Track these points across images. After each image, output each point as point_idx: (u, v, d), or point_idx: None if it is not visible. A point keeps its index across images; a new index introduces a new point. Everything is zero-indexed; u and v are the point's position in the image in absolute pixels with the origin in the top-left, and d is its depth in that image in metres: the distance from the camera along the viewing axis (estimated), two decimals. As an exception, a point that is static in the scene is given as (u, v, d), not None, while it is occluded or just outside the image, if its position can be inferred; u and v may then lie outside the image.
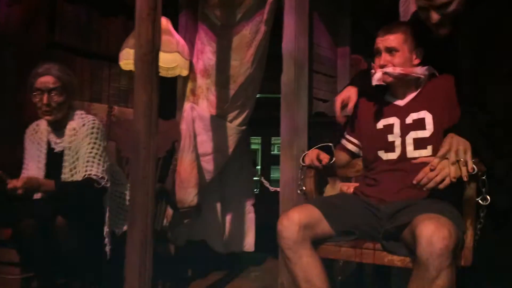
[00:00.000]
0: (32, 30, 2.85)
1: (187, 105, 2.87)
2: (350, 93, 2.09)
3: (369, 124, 2.02)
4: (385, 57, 1.87)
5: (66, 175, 2.27)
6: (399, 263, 1.68)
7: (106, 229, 2.22)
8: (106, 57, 3.21)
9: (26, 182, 2.09)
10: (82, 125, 2.29)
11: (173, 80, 3.06)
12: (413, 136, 1.88)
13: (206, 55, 2.91)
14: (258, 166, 5.08)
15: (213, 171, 2.93)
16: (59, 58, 2.97)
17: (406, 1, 2.40)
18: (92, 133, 2.27)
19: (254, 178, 3.43)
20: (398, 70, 1.86)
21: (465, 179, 1.58)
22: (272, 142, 5.03)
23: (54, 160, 2.31)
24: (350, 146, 2.14)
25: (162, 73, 2.86)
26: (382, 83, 1.90)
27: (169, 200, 2.68)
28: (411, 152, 1.88)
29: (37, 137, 2.38)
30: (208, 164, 2.90)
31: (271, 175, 4.77)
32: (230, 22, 2.85)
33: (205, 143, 2.87)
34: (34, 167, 2.34)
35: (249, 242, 3.15)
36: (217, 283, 2.97)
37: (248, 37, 2.80)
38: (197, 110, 2.86)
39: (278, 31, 2.69)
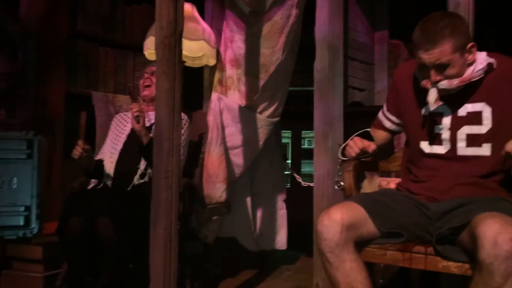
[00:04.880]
0: (53, 20, 2.75)
1: (214, 96, 2.74)
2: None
3: (411, 107, 1.75)
4: (435, 73, 1.57)
5: None
6: (456, 270, 1.48)
7: None
8: (130, 47, 3.13)
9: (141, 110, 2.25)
10: None
11: (200, 70, 2.93)
12: (466, 132, 1.63)
13: (236, 44, 2.79)
14: (288, 160, 4.93)
15: (243, 165, 2.78)
16: (82, 48, 2.87)
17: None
18: (184, 124, 2.40)
19: (285, 173, 3.24)
20: (455, 83, 1.57)
21: None
22: (303, 136, 4.91)
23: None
24: (389, 124, 1.88)
25: (188, 63, 2.74)
26: (441, 103, 1.61)
27: (196, 196, 2.51)
28: (462, 149, 1.64)
29: (124, 120, 2.52)
30: (237, 158, 2.76)
31: (302, 170, 4.63)
32: (260, 8, 2.71)
33: (234, 136, 2.73)
34: (109, 146, 2.46)
35: (281, 240, 3.00)
36: (248, 282, 2.85)
37: (279, 24, 2.64)
38: (225, 101, 2.71)
39: (309, 20, 2.49)
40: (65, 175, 2.73)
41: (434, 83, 1.58)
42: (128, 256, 2.11)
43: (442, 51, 1.52)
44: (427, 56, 1.55)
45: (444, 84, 1.57)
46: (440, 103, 1.61)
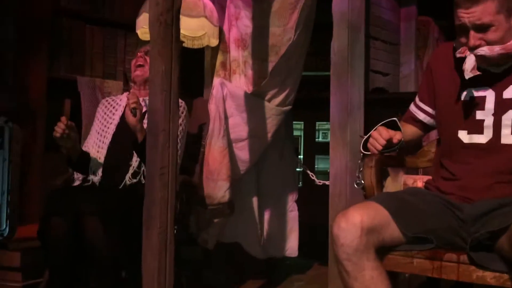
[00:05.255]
0: (35, -5, 2.75)
1: (216, 81, 2.73)
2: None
3: (448, 92, 1.74)
4: (475, 36, 1.57)
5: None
6: (493, 280, 1.47)
7: None
8: (120, 25, 3.15)
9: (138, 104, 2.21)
10: None
11: (200, 52, 2.93)
12: None
13: (242, 22, 2.80)
14: (300, 155, 4.93)
15: (249, 160, 2.79)
16: (66, 27, 2.88)
17: None
18: (182, 112, 2.41)
19: (297, 170, 3.25)
20: (497, 50, 1.57)
21: None
22: (317, 127, 4.91)
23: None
24: (422, 116, 1.87)
25: (187, 43, 2.76)
26: (478, 73, 1.60)
27: (195, 195, 2.51)
28: (507, 136, 1.63)
29: (112, 107, 2.53)
30: (242, 152, 2.76)
31: (316, 166, 4.63)
32: (270, -20, 2.69)
33: (239, 127, 2.73)
34: (95, 138, 2.47)
35: (291, 246, 3.01)
36: (253, 293, 2.89)
37: (292, -2, 2.62)
38: (229, 87, 2.72)
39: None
40: (46, 171, 2.75)
41: (473, 49, 1.58)
42: (119, 261, 2.12)
43: (484, 10, 1.53)
44: (467, 15, 1.55)
45: (484, 50, 1.57)
46: (477, 72, 1.60)
